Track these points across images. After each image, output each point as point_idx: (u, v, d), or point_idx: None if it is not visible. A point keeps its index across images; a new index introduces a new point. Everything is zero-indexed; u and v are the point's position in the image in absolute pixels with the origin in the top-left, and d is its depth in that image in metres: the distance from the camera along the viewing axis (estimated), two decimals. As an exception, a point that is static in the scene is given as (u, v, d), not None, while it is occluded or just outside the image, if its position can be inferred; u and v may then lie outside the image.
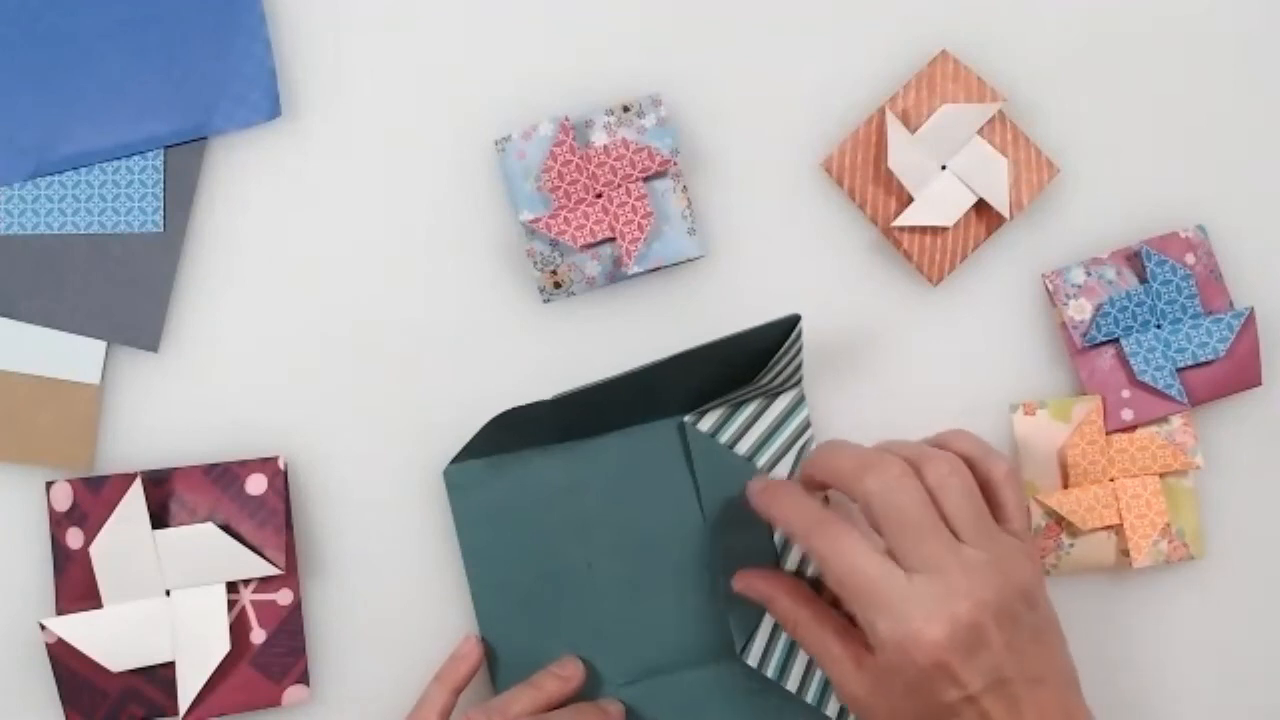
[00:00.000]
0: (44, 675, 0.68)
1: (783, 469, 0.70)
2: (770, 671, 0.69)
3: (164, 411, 0.70)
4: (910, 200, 0.70)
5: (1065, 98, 0.73)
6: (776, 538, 0.70)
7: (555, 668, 0.69)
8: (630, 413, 0.69)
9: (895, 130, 0.70)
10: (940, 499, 0.62)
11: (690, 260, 0.70)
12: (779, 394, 0.70)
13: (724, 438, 0.70)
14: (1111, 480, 0.71)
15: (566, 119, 0.69)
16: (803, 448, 0.71)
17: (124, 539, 0.67)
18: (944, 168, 0.70)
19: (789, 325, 0.67)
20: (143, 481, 0.67)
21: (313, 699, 0.70)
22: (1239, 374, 0.72)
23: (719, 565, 0.70)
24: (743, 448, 0.70)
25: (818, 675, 0.69)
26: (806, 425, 0.71)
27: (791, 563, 0.70)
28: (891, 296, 0.72)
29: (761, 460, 0.70)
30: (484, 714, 0.66)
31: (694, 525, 0.70)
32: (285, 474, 0.69)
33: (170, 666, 0.68)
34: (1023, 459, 0.72)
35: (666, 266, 0.70)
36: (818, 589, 0.68)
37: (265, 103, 0.70)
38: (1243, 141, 0.73)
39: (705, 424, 0.70)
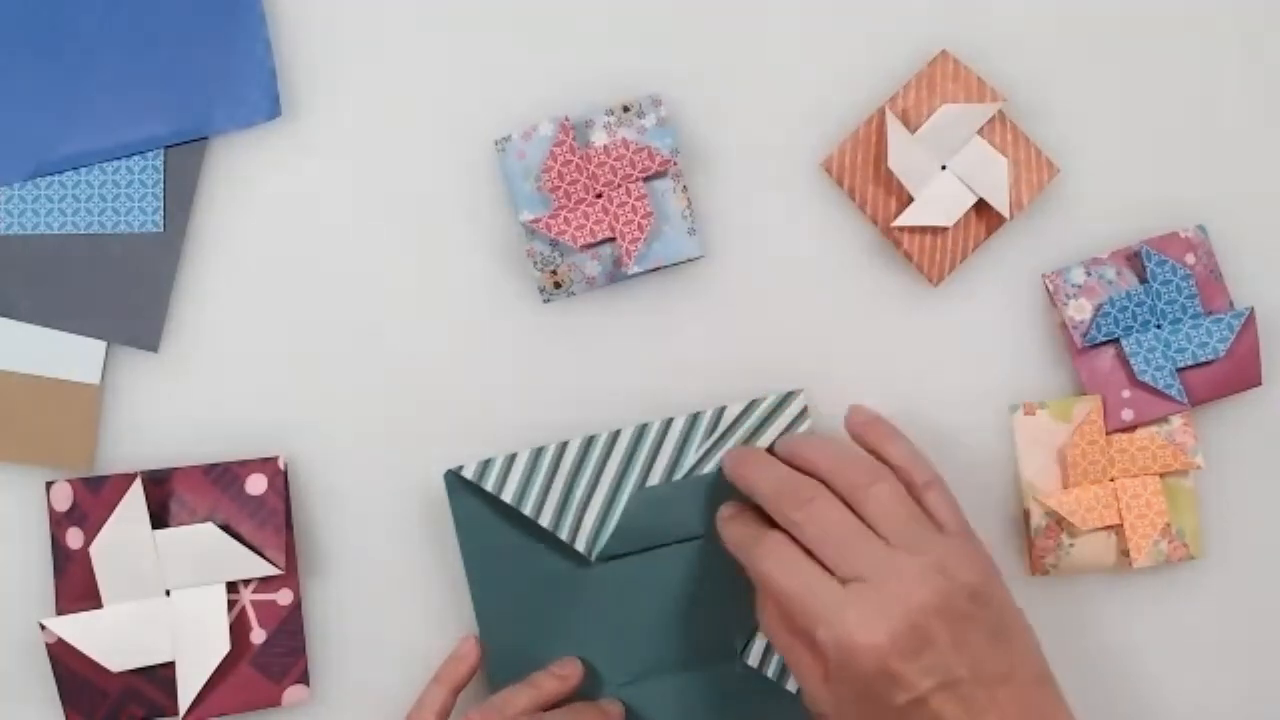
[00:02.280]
0: (44, 675, 0.68)
1: None
2: (770, 672, 0.69)
3: (164, 411, 0.70)
4: (910, 200, 0.70)
5: (1065, 98, 0.72)
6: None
7: (555, 667, 0.69)
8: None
9: (895, 130, 0.70)
10: (862, 510, 0.63)
11: (690, 260, 0.70)
12: (783, 406, 0.70)
13: (727, 445, 0.70)
14: (1112, 480, 0.71)
15: (566, 119, 0.69)
16: None
17: (124, 539, 0.67)
18: (944, 168, 0.70)
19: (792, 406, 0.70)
20: (143, 481, 0.67)
21: (312, 699, 0.70)
22: (1239, 374, 0.71)
23: (719, 566, 0.70)
24: None
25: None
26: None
27: None
28: (891, 296, 0.72)
29: None
30: (482, 714, 0.66)
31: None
32: (285, 474, 0.69)
33: (170, 666, 0.68)
34: (1023, 459, 0.72)
35: (666, 266, 0.70)
36: None
37: (265, 103, 0.70)
38: (1243, 141, 0.73)
39: (706, 427, 0.70)
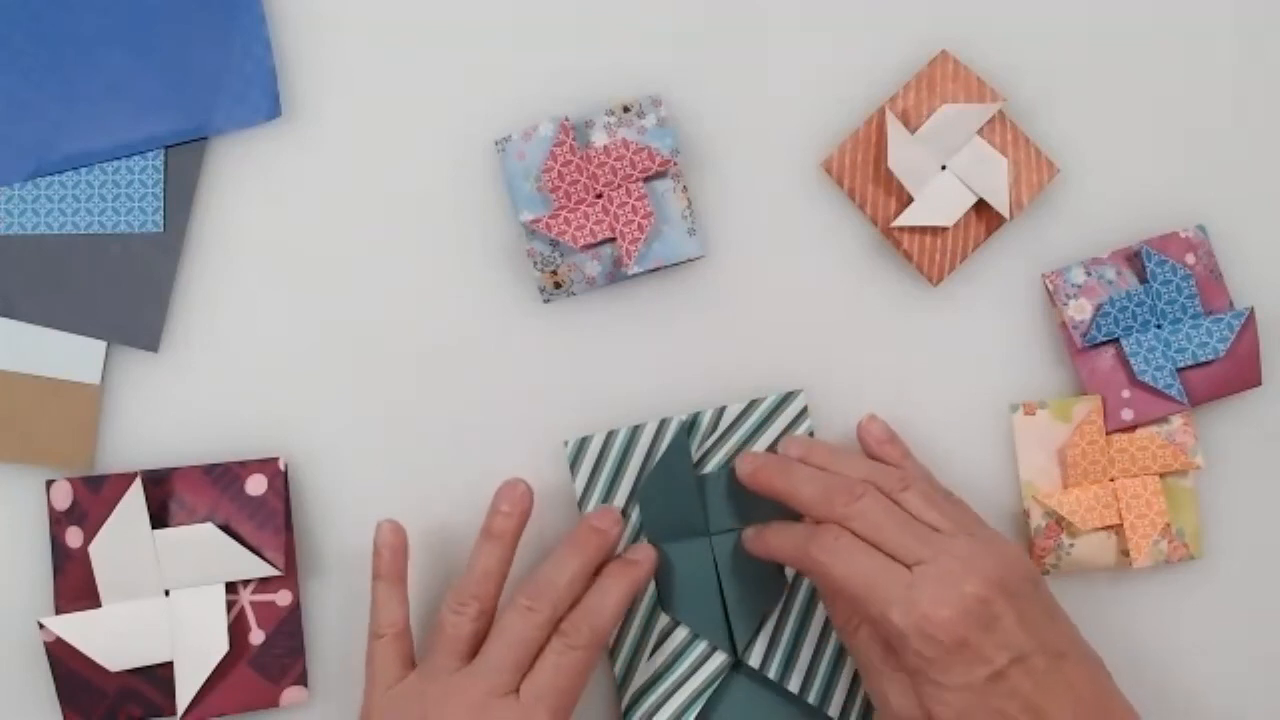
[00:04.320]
0: (42, 674, 0.68)
1: None
2: (772, 673, 0.69)
3: (164, 411, 0.70)
4: (910, 200, 0.70)
5: (1065, 98, 0.73)
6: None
7: (593, 519, 0.68)
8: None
9: (895, 130, 0.70)
10: (907, 507, 0.64)
11: (690, 260, 0.70)
12: (783, 406, 0.70)
13: (727, 445, 0.70)
14: (1111, 480, 0.71)
15: (566, 119, 0.69)
16: None
17: (123, 538, 0.67)
18: (944, 168, 0.70)
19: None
20: (142, 481, 0.67)
21: (311, 700, 0.70)
22: (1239, 374, 0.71)
23: (718, 565, 0.70)
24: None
25: (820, 676, 0.69)
26: (809, 435, 0.71)
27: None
28: (891, 296, 0.72)
29: None
30: (529, 597, 0.65)
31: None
32: (285, 475, 0.69)
33: (168, 666, 0.68)
34: (1022, 459, 0.72)
35: (666, 266, 0.70)
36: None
37: (265, 103, 0.70)
38: (1243, 141, 0.73)
39: (706, 427, 0.70)
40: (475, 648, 0.65)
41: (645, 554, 0.68)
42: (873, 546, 0.63)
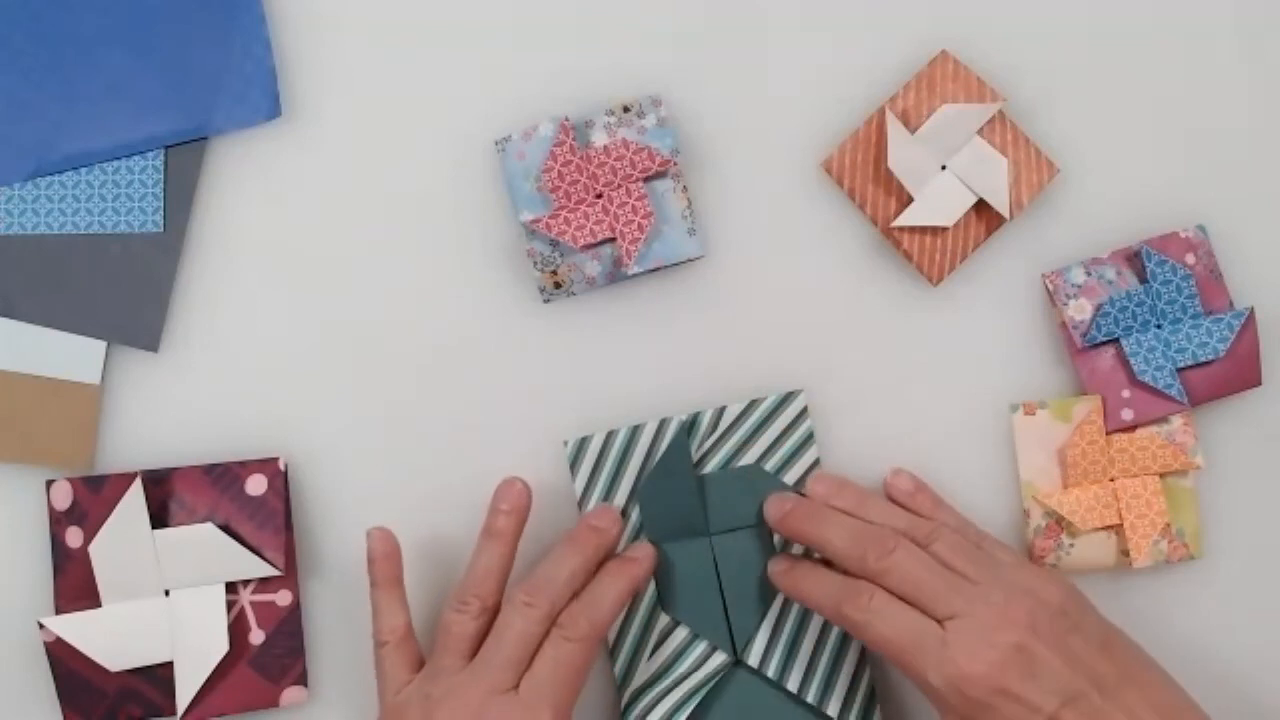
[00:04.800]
0: (42, 674, 0.68)
1: (789, 479, 0.70)
2: (771, 672, 0.69)
3: (164, 411, 0.70)
4: (910, 200, 0.70)
5: (1065, 98, 0.72)
6: (776, 540, 0.70)
7: (592, 518, 0.68)
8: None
9: (895, 130, 0.70)
10: (939, 557, 0.64)
11: (690, 260, 0.70)
12: (783, 406, 0.70)
13: (727, 445, 0.70)
14: (1111, 480, 0.71)
15: (566, 119, 0.69)
16: (809, 461, 0.70)
17: (123, 538, 0.67)
18: (944, 168, 0.70)
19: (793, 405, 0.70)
20: (142, 481, 0.67)
21: (311, 700, 0.70)
22: (1239, 374, 0.71)
23: (718, 564, 0.70)
24: (746, 460, 0.70)
25: (819, 676, 0.69)
26: (809, 435, 0.71)
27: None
28: (891, 296, 0.72)
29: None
30: (528, 593, 0.65)
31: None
32: (285, 475, 0.69)
33: (168, 666, 0.68)
34: (1022, 459, 0.72)
35: (666, 266, 0.70)
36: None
37: (265, 103, 0.70)
38: (1243, 141, 0.73)
39: (706, 427, 0.70)
40: (478, 647, 0.65)
41: (645, 552, 0.68)
42: (907, 603, 0.63)
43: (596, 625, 0.65)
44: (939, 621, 0.62)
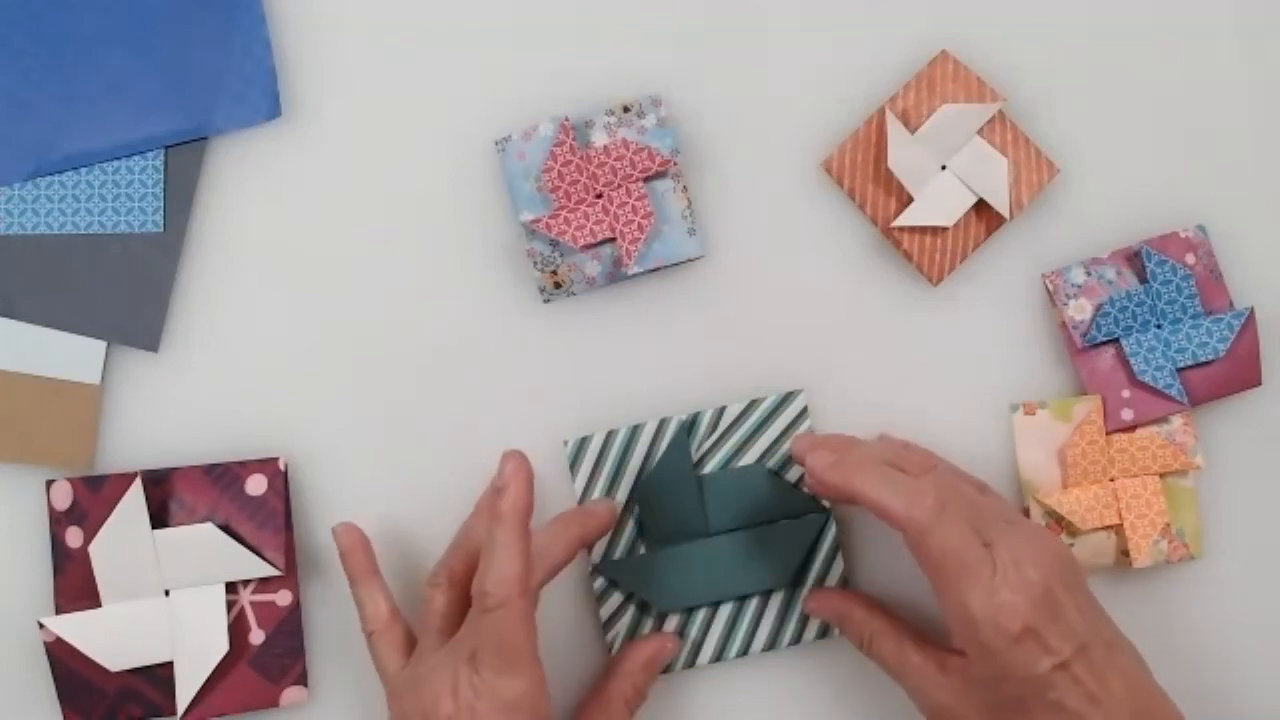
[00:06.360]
0: (42, 674, 0.68)
1: (789, 479, 0.70)
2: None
3: (164, 411, 0.70)
4: (910, 200, 0.70)
5: (1065, 98, 0.72)
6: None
7: (589, 504, 0.69)
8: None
9: (895, 130, 0.70)
10: None
11: (690, 260, 0.70)
12: (783, 406, 0.70)
13: (727, 445, 0.70)
14: (1111, 480, 0.71)
15: (566, 119, 0.69)
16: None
17: (123, 538, 0.67)
18: (944, 168, 0.70)
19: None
20: (142, 481, 0.67)
21: (311, 700, 0.70)
22: (1239, 374, 0.71)
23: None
24: (746, 460, 0.70)
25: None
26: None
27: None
28: (891, 296, 0.72)
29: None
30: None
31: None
32: (285, 475, 0.69)
33: (168, 666, 0.68)
34: (1022, 459, 0.72)
35: (666, 266, 0.70)
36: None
37: (265, 103, 0.70)
38: (1243, 141, 0.73)
39: (706, 427, 0.70)
40: (455, 621, 0.64)
41: (605, 506, 0.69)
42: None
43: (524, 583, 0.60)
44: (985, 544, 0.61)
